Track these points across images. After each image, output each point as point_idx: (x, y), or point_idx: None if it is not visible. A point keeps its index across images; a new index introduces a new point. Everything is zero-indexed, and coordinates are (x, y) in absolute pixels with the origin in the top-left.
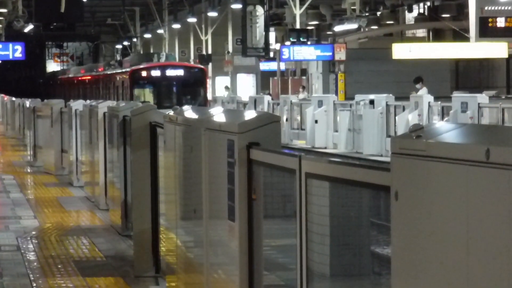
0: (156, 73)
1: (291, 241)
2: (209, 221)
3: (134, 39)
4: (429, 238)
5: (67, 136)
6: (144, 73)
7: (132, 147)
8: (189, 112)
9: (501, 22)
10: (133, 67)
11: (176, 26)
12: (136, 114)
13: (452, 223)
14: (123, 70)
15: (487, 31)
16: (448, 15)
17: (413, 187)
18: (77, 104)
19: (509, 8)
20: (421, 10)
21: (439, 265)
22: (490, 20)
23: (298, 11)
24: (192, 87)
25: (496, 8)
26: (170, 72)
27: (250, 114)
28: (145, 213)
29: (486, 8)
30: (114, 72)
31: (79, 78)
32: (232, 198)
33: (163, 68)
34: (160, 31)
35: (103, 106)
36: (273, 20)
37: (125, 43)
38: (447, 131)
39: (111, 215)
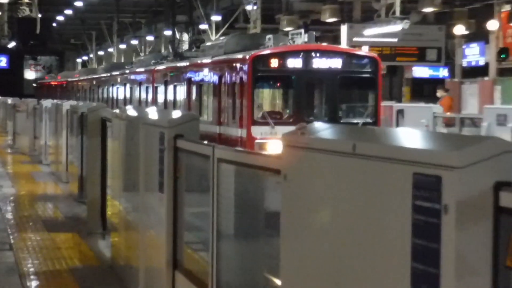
0: (296, 62)
1: (205, 209)
2: (144, 193)
3: (91, 55)
4: (307, 210)
5: (38, 126)
6: (275, 62)
7: (87, 136)
8: (131, 110)
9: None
10: (256, 52)
11: (123, 46)
12: (91, 111)
13: (325, 198)
14: (232, 58)
15: None
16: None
17: (297, 171)
18: (47, 102)
19: (372, 40)
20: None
21: (312, 230)
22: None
23: (214, 37)
24: (356, 90)
25: (362, 39)
26: (320, 62)
27: (177, 113)
28: (96, 185)
29: (354, 39)
30: (219, 60)
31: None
32: (162, 175)
33: (308, 54)
34: (110, 49)
35: (67, 105)
36: (197, 46)
37: (84, 57)
38: (324, 129)
39: (70, 186)
